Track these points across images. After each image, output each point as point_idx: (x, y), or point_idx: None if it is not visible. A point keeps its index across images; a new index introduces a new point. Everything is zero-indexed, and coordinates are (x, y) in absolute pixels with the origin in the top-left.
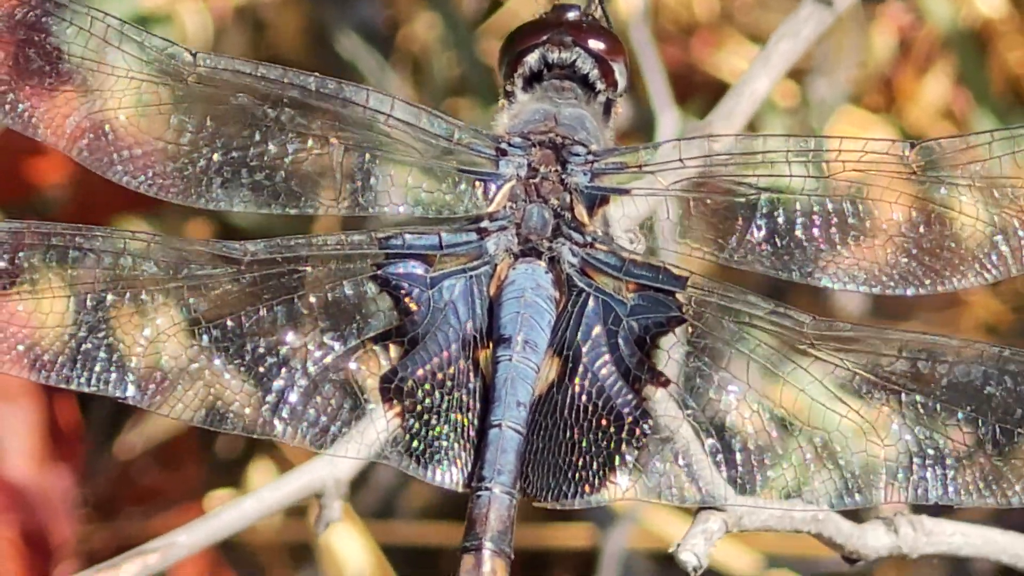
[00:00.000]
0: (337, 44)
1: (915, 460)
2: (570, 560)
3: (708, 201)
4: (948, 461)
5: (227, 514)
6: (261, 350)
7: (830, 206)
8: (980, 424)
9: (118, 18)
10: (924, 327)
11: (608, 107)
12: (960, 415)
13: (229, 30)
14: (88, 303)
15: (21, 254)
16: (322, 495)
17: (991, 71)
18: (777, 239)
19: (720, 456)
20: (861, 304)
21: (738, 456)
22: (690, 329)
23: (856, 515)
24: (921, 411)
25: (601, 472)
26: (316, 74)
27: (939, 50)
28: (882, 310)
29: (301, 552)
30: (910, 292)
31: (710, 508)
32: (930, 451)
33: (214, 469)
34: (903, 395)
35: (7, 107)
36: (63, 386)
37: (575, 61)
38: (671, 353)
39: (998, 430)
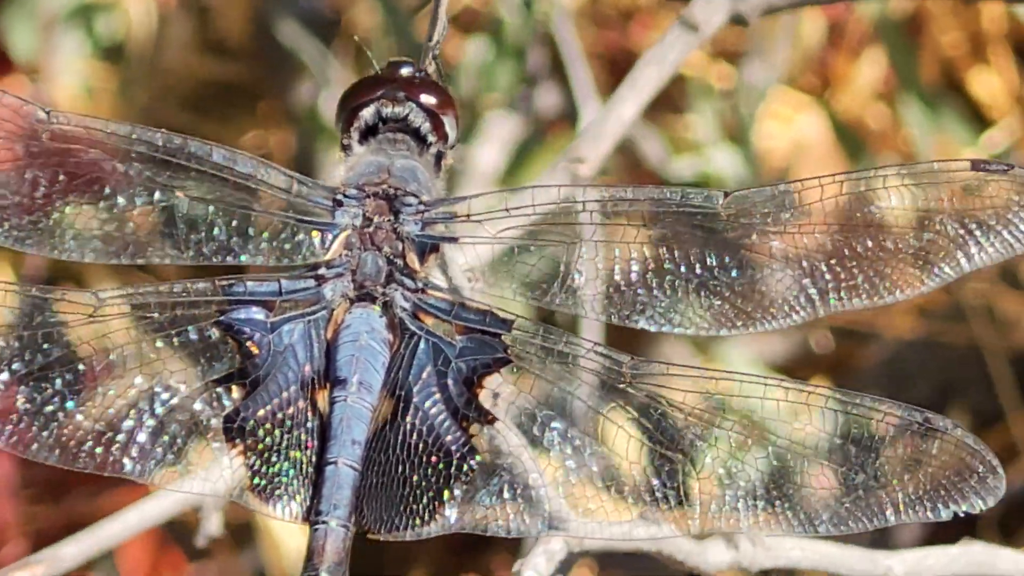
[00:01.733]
0: (279, 31)
1: (727, 491)
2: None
3: (531, 248)
4: (758, 491)
5: (111, 526)
6: (111, 392)
7: (647, 253)
8: (788, 458)
9: None
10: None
11: (439, 158)
12: (769, 449)
13: (173, 17)
14: None
15: None
16: (200, 508)
17: (922, 54)
18: (597, 284)
19: (560, 484)
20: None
21: (573, 485)
22: (515, 369)
23: None
24: (732, 445)
25: (431, 506)
26: (163, 131)
27: (872, 33)
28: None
29: (243, 532)
30: (723, 333)
31: (552, 530)
32: (740, 482)
33: None
34: (714, 430)
35: None
36: None
37: (408, 115)
38: (498, 392)
39: (804, 463)
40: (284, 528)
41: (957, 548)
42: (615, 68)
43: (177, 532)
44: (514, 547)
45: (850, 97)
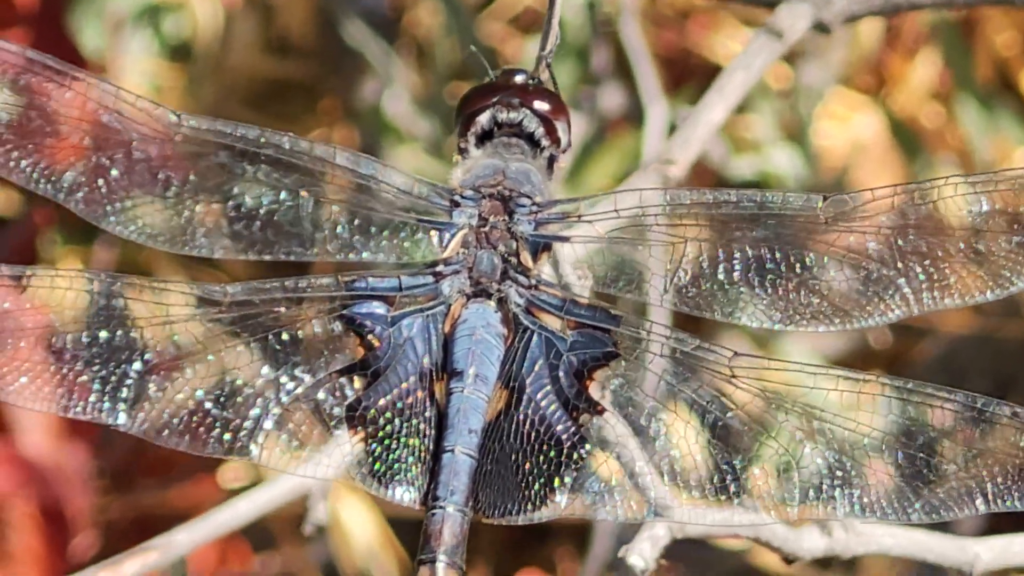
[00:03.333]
0: (343, 31)
1: (824, 481)
2: (567, 531)
3: (640, 248)
4: (856, 482)
5: (222, 515)
6: (239, 382)
7: (749, 253)
8: (883, 449)
9: (112, 83)
10: None
11: (551, 162)
12: (866, 441)
13: (238, 16)
14: (84, 339)
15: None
16: (308, 498)
17: (977, 54)
18: (701, 283)
19: (664, 472)
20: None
21: (678, 473)
22: (623, 363)
23: None
24: (831, 437)
25: (543, 492)
26: (290, 134)
27: (927, 33)
28: None
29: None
30: (820, 330)
31: (657, 517)
32: (839, 473)
33: None
34: (815, 423)
35: (11, 163)
36: (61, 415)
37: (522, 121)
38: (607, 384)
39: (900, 456)
40: (355, 521)
41: None
42: (672, 68)
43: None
44: (576, 540)
45: (906, 97)
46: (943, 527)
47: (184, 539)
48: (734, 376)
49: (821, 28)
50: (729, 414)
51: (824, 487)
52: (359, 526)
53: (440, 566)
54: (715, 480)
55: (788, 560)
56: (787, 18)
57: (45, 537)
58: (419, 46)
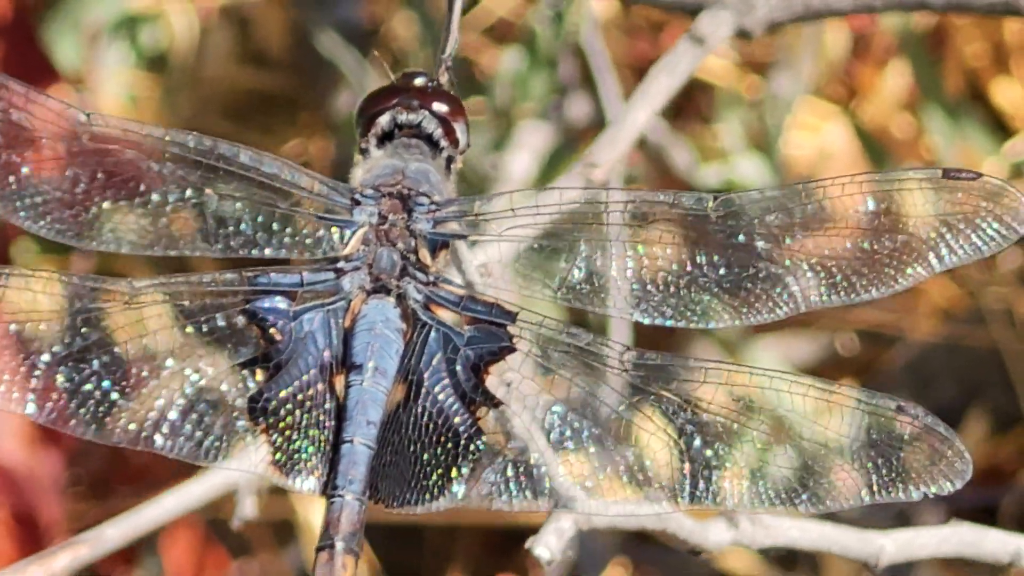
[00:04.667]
0: (318, 42)
1: (714, 472)
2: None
3: (534, 245)
4: (745, 472)
5: (151, 510)
6: (144, 373)
7: (642, 250)
8: (769, 441)
9: (20, 83)
10: (879, 313)
11: (450, 162)
12: (754, 432)
13: (214, 28)
14: None
15: None
16: (236, 491)
17: (946, 65)
18: (594, 280)
19: (565, 464)
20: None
21: (577, 465)
22: (519, 357)
23: None
24: (720, 429)
25: (440, 482)
26: (194, 133)
27: (896, 44)
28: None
29: (284, 530)
30: (711, 326)
31: (562, 508)
32: (727, 463)
33: None
34: (706, 415)
35: None
36: None
37: (421, 122)
38: (503, 378)
39: (788, 449)
40: None
41: (947, 528)
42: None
43: (220, 531)
44: None
45: (875, 107)
46: (850, 521)
47: (113, 534)
48: (627, 370)
49: (743, 34)
50: (622, 406)
51: (713, 477)
52: None
53: (337, 551)
54: (610, 471)
55: (695, 552)
56: (709, 24)
57: (18, 543)
58: (394, 58)
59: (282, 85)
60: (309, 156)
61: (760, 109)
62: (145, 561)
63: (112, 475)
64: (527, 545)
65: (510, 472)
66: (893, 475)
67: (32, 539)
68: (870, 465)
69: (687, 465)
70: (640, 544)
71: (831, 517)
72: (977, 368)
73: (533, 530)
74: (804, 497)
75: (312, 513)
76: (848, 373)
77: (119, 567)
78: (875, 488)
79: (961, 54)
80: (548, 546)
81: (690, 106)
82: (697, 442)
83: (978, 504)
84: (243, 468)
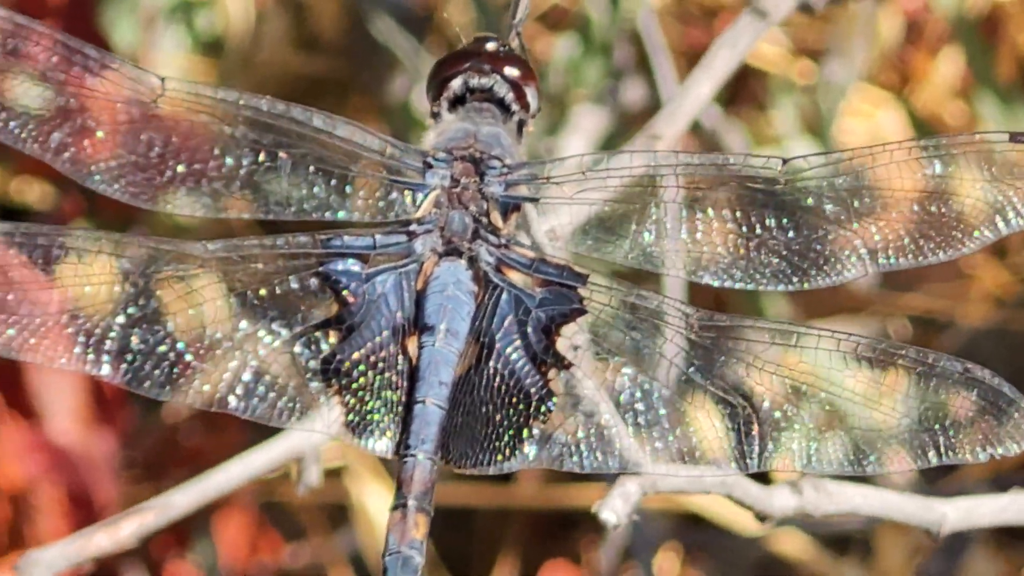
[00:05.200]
0: (373, 27)
1: (783, 435)
2: (592, 522)
3: (607, 209)
4: (812, 435)
5: (217, 477)
6: (218, 336)
7: (711, 214)
8: (839, 404)
9: (97, 48)
10: (930, 299)
11: (521, 126)
12: (820, 395)
13: (269, 13)
14: (69, 295)
15: (12, 252)
16: (301, 459)
17: (1000, 52)
18: (662, 244)
19: (631, 427)
20: (871, 277)
21: (644, 429)
22: (590, 319)
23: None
24: (787, 391)
25: (511, 443)
26: (268, 97)
27: (950, 31)
28: (890, 283)
29: (338, 513)
30: (780, 288)
31: (628, 473)
32: (794, 426)
33: (255, 431)
34: (774, 377)
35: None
36: (48, 365)
37: (493, 86)
38: (574, 340)
39: (855, 411)
40: (380, 510)
41: (1007, 497)
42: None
43: (273, 514)
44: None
45: (928, 93)
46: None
47: (180, 500)
48: (695, 332)
49: (805, 8)
50: (691, 368)
51: (780, 441)
52: (385, 513)
53: (410, 509)
54: (678, 434)
55: (760, 518)
56: None
57: (72, 522)
58: (448, 43)
59: (336, 70)
60: None
61: (813, 95)
62: (198, 544)
63: (165, 458)
64: (593, 509)
65: (580, 434)
66: (959, 437)
67: (86, 519)
68: (937, 427)
69: (753, 428)
70: (692, 528)
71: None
72: None
73: (585, 513)
74: (872, 459)
75: (366, 496)
76: None
77: (172, 549)
78: (941, 450)
79: (1014, 40)
80: (615, 510)
81: (744, 92)
82: (764, 405)
83: None
84: (316, 430)
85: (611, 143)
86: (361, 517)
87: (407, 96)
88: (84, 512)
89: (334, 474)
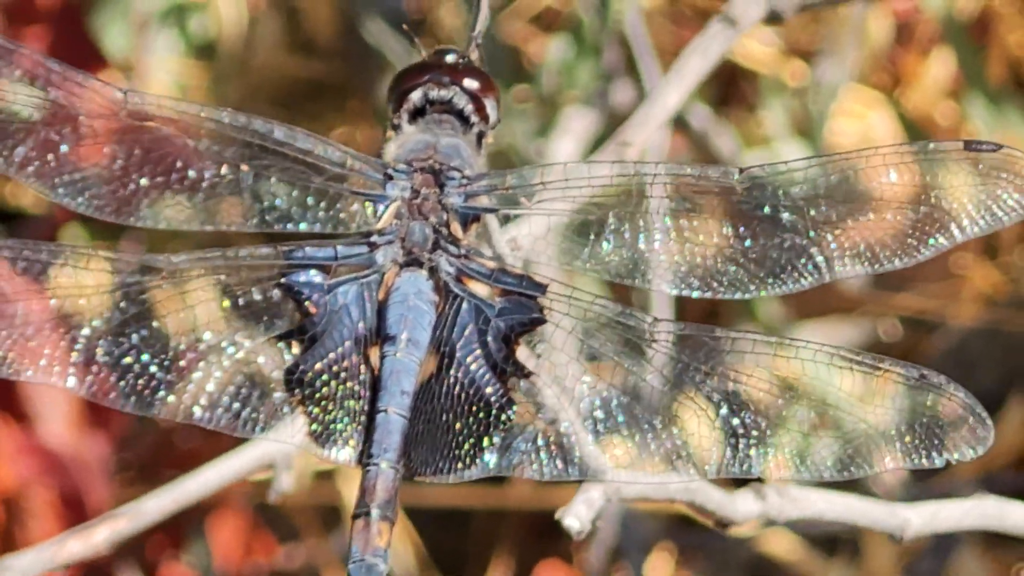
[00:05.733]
0: (366, 31)
1: (746, 442)
2: None
3: (564, 219)
4: (776, 441)
5: (190, 483)
6: (182, 347)
7: (668, 222)
8: (800, 410)
9: (57, 61)
10: (921, 299)
11: (481, 137)
12: (780, 400)
13: (263, 17)
14: (33, 307)
15: None
16: (273, 466)
17: (990, 53)
18: (622, 251)
19: (593, 436)
20: (862, 279)
21: (605, 436)
22: (550, 328)
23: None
24: (749, 397)
25: (472, 451)
26: (228, 110)
27: (940, 32)
28: (881, 283)
29: (331, 514)
30: (737, 296)
31: (592, 480)
32: (757, 433)
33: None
34: (730, 383)
35: None
36: (15, 378)
37: (452, 98)
38: (534, 348)
39: (812, 414)
40: None
41: (970, 502)
42: None
43: (268, 515)
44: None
45: (919, 94)
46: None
47: (153, 506)
48: (654, 340)
49: (774, 17)
50: (651, 376)
51: (740, 446)
52: None
53: (373, 518)
54: (639, 441)
55: (723, 524)
56: (741, 6)
57: (64, 525)
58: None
59: (330, 73)
60: (356, 143)
61: (804, 96)
62: (193, 546)
63: (160, 460)
64: (556, 516)
65: (540, 442)
66: (917, 442)
67: (79, 522)
68: (893, 432)
69: (717, 435)
70: (685, 529)
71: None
72: (1018, 354)
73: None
74: (831, 464)
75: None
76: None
77: (167, 551)
78: (900, 455)
79: (1004, 42)
80: (578, 516)
81: (734, 93)
82: (727, 411)
83: (1019, 488)
84: (280, 439)
85: (600, 145)
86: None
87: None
88: (77, 515)
89: (326, 476)
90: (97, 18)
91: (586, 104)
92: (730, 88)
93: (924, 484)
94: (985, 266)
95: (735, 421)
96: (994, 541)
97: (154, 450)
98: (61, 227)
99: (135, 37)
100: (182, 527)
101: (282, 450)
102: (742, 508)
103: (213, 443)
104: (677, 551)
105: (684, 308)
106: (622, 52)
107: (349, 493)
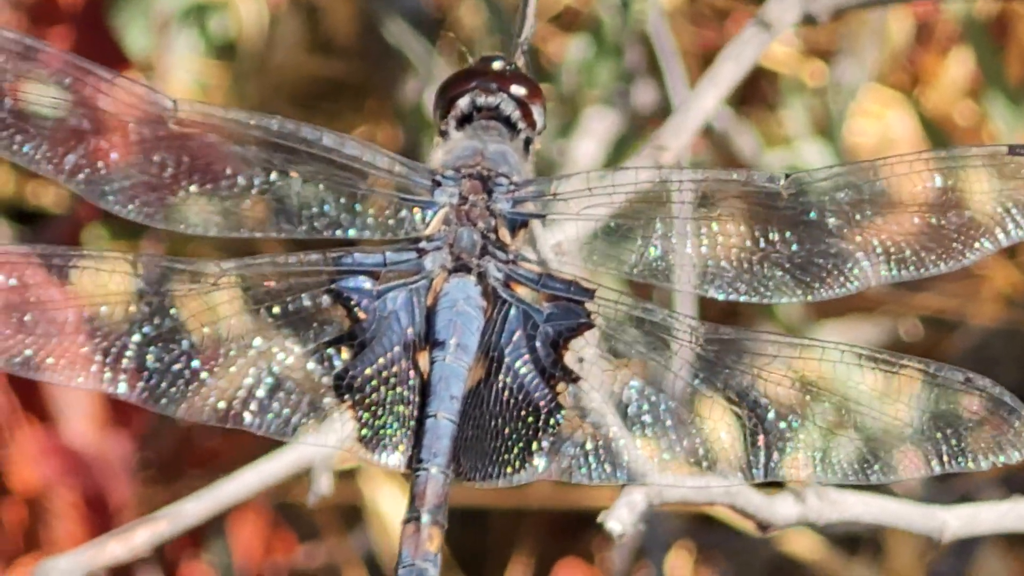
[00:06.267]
0: (386, 30)
1: (785, 445)
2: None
3: (611, 224)
4: (815, 444)
5: (230, 485)
6: (232, 352)
7: (715, 228)
8: (843, 413)
9: (106, 69)
10: (941, 299)
11: (528, 143)
12: (823, 405)
13: (283, 17)
14: (85, 314)
15: (28, 272)
16: (311, 470)
17: (1010, 52)
18: (669, 257)
19: (640, 440)
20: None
21: (651, 440)
22: (597, 333)
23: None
24: (791, 402)
25: (521, 455)
26: (278, 117)
27: (959, 32)
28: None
29: (352, 514)
30: (783, 300)
31: (634, 484)
32: (798, 436)
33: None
34: (778, 388)
35: (14, 147)
36: (66, 384)
37: (500, 105)
38: (582, 354)
39: (858, 421)
40: (393, 512)
41: (1007, 504)
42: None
43: (288, 514)
44: None
45: (939, 94)
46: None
47: (192, 509)
48: (700, 345)
49: (809, 20)
50: (696, 380)
51: (784, 451)
52: (398, 514)
53: (424, 523)
54: (683, 445)
55: (762, 527)
56: (776, 10)
57: (88, 525)
58: (461, 45)
59: (350, 73)
60: (376, 143)
61: (824, 96)
62: (213, 545)
63: (182, 459)
64: (599, 519)
65: (589, 446)
66: (962, 445)
67: (102, 522)
68: (939, 436)
69: (759, 438)
70: (704, 528)
71: (896, 494)
72: None
73: (598, 513)
74: (875, 468)
75: (380, 497)
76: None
77: (187, 550)
78: (944, 458)
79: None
80: (620, 519)
81: (755, 93)
82: (768, 416)
83: None
84: (330, 445)
85: (622, 145)
86: (375, 518)
87: (419, 98)
88: (99, 515)
89: (348, 475)
90: (118, 17)
91: (607, 104)
92: (750, 88)
93: (944, 485)
94: (1005, 265)
95: (781, 425)
96: (1016, 541)
97: (175, 448)
98: (84, 227)
99: (156, 36)
100: (203, 526)
101: (321, 453)
102: (781, 511)
103: (233, 441)
104: (697, 550)
105: (703, 308)
106: (643, 52)
107: (370, 493)
